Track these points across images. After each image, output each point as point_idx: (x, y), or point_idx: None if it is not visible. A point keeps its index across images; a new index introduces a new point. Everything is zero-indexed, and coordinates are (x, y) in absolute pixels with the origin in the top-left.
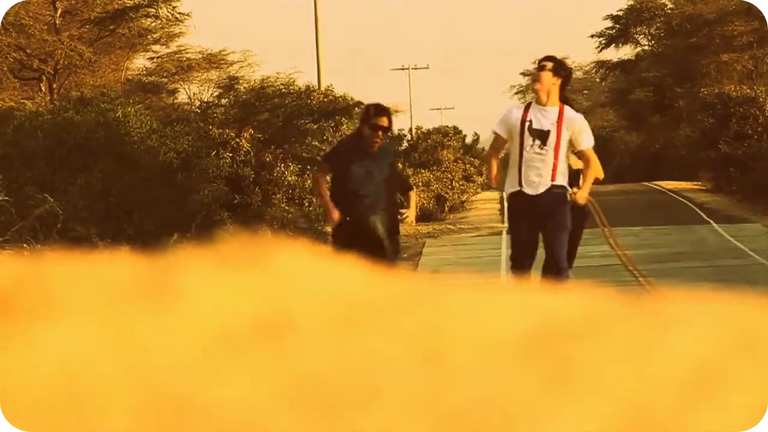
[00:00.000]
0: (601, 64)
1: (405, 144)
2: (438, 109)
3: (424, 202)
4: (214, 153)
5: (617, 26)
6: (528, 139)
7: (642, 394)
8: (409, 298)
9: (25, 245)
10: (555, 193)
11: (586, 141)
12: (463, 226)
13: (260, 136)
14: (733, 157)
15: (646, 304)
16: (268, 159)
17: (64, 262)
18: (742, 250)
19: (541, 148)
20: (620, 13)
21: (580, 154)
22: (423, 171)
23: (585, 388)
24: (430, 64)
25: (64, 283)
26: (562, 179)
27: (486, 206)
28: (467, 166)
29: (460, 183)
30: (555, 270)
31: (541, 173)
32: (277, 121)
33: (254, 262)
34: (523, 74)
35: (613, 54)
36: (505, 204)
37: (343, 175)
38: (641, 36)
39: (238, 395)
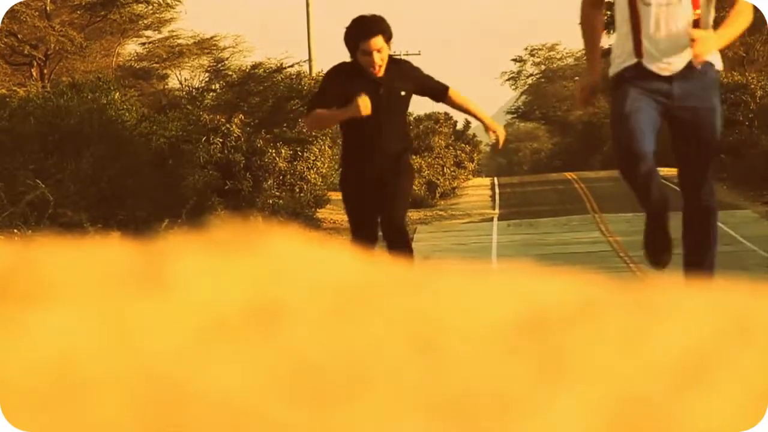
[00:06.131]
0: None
1: None
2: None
3: (416, 188)
4: (204, 139)
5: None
6: None
7: (635, 382)
8: (401, 285)
9: (15, 231)
10: (701, 75)
11: None
12: (454, 213)
13: (250, 120)
14: (724, 144)
15: (638, 290)
16: (259, 144)
17: (55, 248)
18: (733, 237)
19: None
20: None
21: None
22: (414, 157)
23: (577, 375)
24: (422, 50)
25: (55, 270)
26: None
27: (477, 192)
28: (458, 152)
29: (452, 169)
30: (697, 210)
31: (672, 37)
32: (267, 105)
33: (246, 248)
34: (515, 60)
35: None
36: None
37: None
38: None
39: (230, 382)
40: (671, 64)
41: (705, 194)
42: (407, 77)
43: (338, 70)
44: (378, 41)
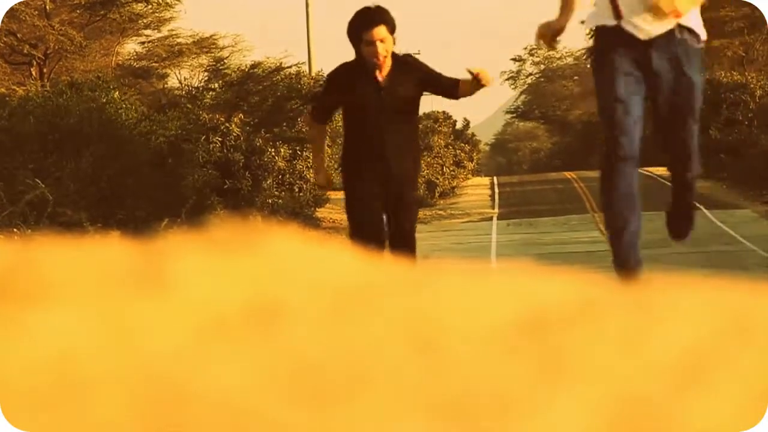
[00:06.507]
0: (592, 50)
1: None
2: (429, 94)
3: None
4: (203, 138)
5: None
6: None
7: (635, 382)
8: (401, 285)
9: (15, 230)
10: (682, 44)
11: None
12: (453, 212)
13: (250, 120)
14: (724, 143)
15: (638, 290)
16: (258, 143)
17: (55, 247)
18: (732, 236)
19: None
20: None
21: None
22: None
23: (577, 375)
24: (422, 51)
25: (55, 269)
26: (691, 15)
27: (476, 192)
28: (458, 151)
29: (451, 169)
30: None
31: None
32: (267, 104)
33: (245, 248)
34: (514, 60)
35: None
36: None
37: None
38: None
39: (230, 381)
40: (649, 29)
41: (688, 166)
42: (412, 76)
43: (341, 71)
44: (381, 31)
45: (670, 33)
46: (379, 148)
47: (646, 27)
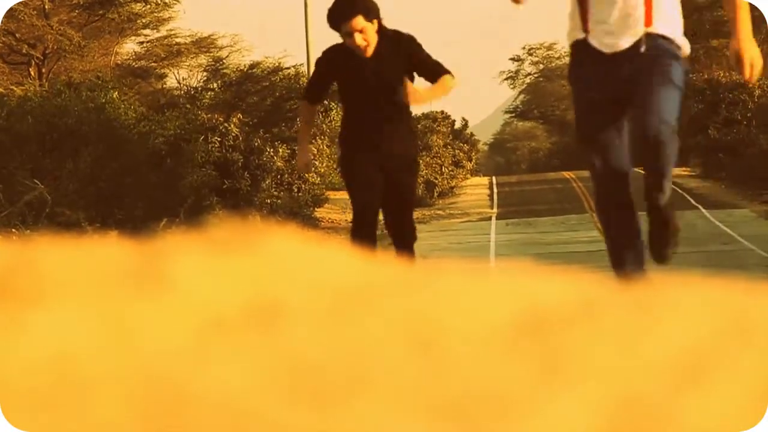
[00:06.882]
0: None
1: None
2: None
3: None
4: (202, 138)
5: None
6: None
7: (635, 382)
8: (401, 285)
9: (13, 230)
10: (653, 53)
11: None
12: (452, 212)
13: (248, 120)
14: (723, 143)
15: (638, 290)
16: (257, 143)
17: (54, 247)
18: (730, 236)
19: None
20: None
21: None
22: None
23: (577, 375)
24: None
25: (54, 269)
26: (666, 24)
27: (475, 191)
28: (457, 151)
29: (450, 169)
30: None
31: (626, 9)
32: (265, 104)
33: (244, 248)
34: (513, 59)
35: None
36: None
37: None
38: None
39: (230, 382)
40: (616, 43)
41: (661, 172)
42: (401, 55)
43: (331, 51)
44: (358, 22)
45: (638, 44)
46: (372, 123)
47: (613, 41)
